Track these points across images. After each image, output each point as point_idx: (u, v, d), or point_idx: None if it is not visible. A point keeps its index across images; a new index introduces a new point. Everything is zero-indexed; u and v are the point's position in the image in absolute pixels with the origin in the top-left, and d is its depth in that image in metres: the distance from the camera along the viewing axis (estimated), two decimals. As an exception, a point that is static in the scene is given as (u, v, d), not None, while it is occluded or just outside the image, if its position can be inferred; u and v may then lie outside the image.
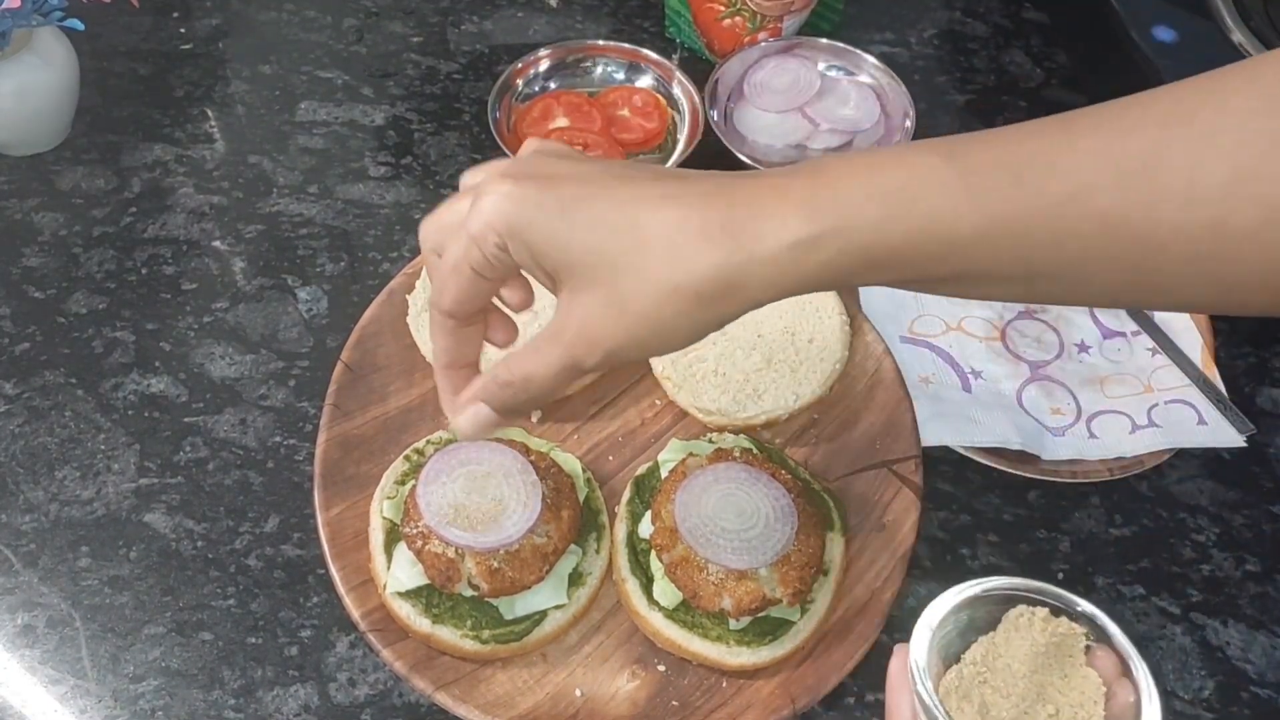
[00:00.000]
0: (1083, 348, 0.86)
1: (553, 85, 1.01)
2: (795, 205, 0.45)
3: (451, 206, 0.51)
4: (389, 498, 0.71)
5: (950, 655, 0.54)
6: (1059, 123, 0.45)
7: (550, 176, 0.48)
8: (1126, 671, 0.52)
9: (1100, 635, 0.53)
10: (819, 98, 0.99)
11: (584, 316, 0.47)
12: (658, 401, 0.80)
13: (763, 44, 1.01)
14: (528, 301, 0.54)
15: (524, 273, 0.50)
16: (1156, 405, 0.81)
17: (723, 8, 1.00)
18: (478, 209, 0.48)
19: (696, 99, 0.98)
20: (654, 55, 1.01)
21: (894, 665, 0.55)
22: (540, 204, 0.47)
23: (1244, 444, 0.79)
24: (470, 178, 0.52)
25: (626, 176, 0.48)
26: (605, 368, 0.49)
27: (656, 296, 0.46)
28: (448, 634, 0.67)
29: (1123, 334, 0.87)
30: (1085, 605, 0.53)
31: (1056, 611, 0.53)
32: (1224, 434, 0.80)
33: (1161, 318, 0.86)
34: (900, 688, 0.54)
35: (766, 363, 0.78)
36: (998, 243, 0.45)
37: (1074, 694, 0.52)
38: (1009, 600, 0.54)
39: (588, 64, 1.02)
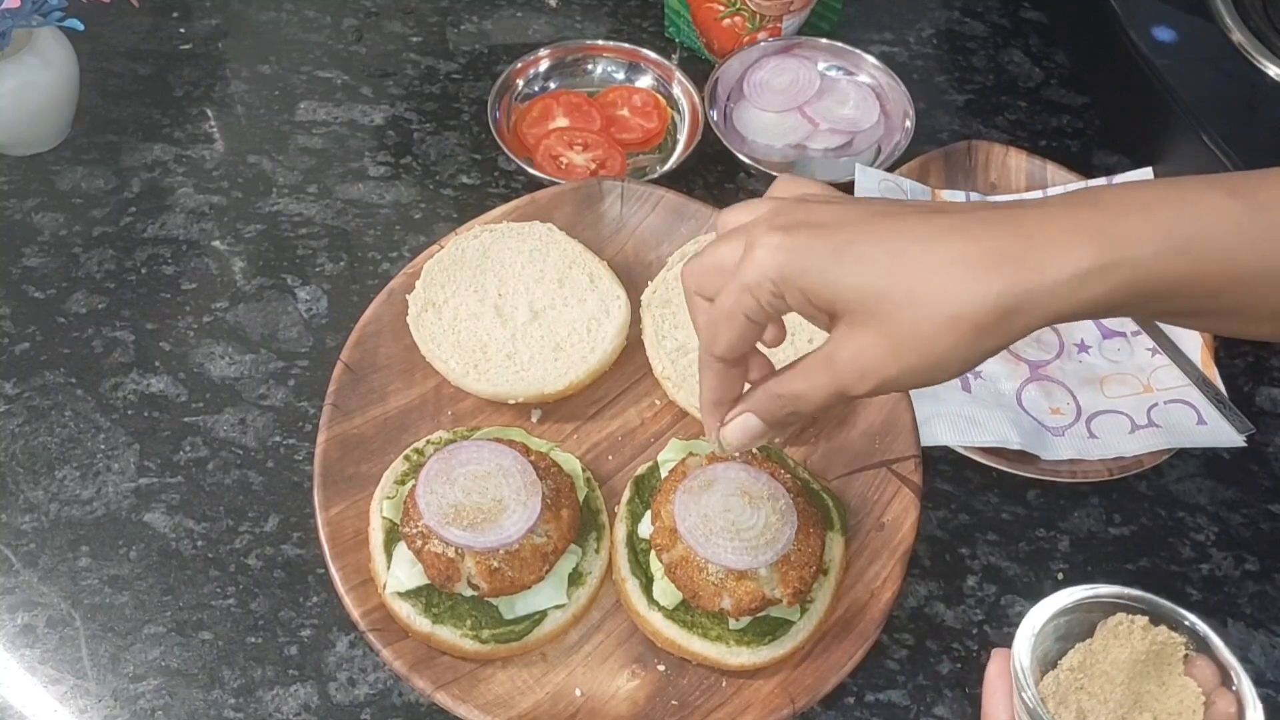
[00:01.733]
0: (1082, 347, 0.86)
1: (552, 85, 1.01)
2: (1082, 236, 0.46)
3: (715, 252, 0.52)
4: (389, 497, 0.71)
5: (1046, 661, 0.54)
6: None
7: (818, 224, 0.49)
8: (1226, 682, 0.51)
9: (1201, 645, 0.52)
10: (818, 97, 0.99)
11: (858, 349, 0.49)
12: (657, 401, 0.80)
13: (762, 44, 1.01)
14: (782, 338, 0.56)
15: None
16: (1156, 405, 0.81)
17: (722, 7, 1.00)
18: (751, 261, 0.49)
19: (696, 99, 0.98)
20: (654, 55, 1.01)
21: (991, 669, 0.55)
22: (812, 251, 0.48)
23: (1243, 444, 0.79)
24: (730, 218, 0.54)
25: (890, 214, 0.49)
26: (873, 395, 0.50)
27: (935, 328, 0.47)
28: (448, 634, 0.67)
29: (1122, 334, 0.87)
30: (1190, 617, 0.53)
31: (1156, 620, 0.53)
32: (1223, 434, 0.79)
33: (1161, 317, 0.86)
34: (996, 691, 0.54)
35: (766, 362, 0.78)
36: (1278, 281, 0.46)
37: (1171, 702, 0.51)
38: (1108, 608, 0.54)
39: (587, 64, 1.02)
